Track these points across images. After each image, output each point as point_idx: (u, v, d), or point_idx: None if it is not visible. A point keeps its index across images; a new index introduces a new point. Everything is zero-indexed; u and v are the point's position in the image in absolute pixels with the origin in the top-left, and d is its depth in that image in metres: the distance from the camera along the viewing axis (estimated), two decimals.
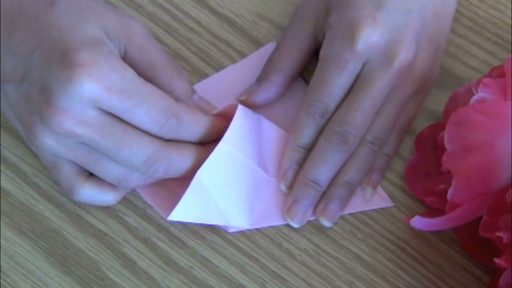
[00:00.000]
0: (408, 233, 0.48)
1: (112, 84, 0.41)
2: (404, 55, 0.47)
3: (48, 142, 0.43)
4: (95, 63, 0.41)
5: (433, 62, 0.50)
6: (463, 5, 0.55)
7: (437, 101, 0.52)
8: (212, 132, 0.46)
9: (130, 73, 0.42)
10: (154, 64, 0.45)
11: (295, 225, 0.48)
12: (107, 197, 0.46)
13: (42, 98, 0.42)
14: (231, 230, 0.48)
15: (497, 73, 0.46)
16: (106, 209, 0.48)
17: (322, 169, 0.47)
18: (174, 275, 0.47)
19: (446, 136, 0.44)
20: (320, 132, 0.48)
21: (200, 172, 0.45)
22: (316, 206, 0.48)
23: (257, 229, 0.48)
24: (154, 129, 0.43)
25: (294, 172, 0.48)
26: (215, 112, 0.47)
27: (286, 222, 0.48)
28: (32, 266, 0.47)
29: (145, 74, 0.45)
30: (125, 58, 0.45)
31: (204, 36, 0.53)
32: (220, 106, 0.47)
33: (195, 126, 0.45)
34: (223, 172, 0.46)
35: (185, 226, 0.48)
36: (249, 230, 0.48)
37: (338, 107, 0.48)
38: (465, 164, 0.44)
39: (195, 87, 0.50)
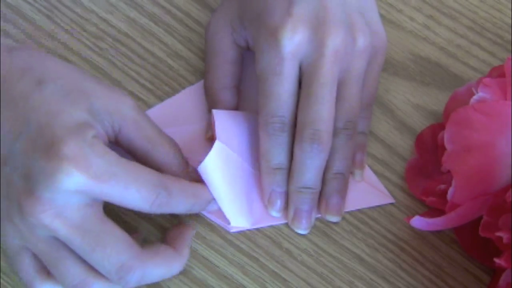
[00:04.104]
0: (408, 233, 0.48)
1: (100, 171, 0.40)
2: (333, 35, 0.46)
3: (21, 228, 0.41)
4: (81, 152, 0.40)
5: (374, 28, 0.49)
6: (463, 5, 0.55)
7: (437, 101, 0.52)
8: (200, 202, 0.45)
9: (113, 155, 0.41)
10: (150, 137, 0.44)
11: (303, 232, 0.48)
12: None
13: (24, 186, 0.40)
14: (232, 231, 0.48)
15: (497, 73, 0.47)
16: (107, 209, 0.48)
17: (309, 175, 0.46)
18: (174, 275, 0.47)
19: (446, 136, 0.44)
20: (288, 144, 0.47)
21: (199, 170, 0.45)
22: (318, 207, 0.48)
23: (257, 229, 0.48)
24: (145, 207, 0.42)
25: (278, 195, 0.47)
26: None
27: (286, 222, 0.48)
28: None
29: (142, 148, 0.44)
30: (120, 133, 0.44)
31: (204, 36, 0.53)
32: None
33: (183, 197, 0.44)
34: (220, 172, 0.46)
35: None
36: (249, 230, 0.48)
37: (295, 114, 0.47)
38: (465, 164, 0.44)
39: (149, 112, 0.50)
